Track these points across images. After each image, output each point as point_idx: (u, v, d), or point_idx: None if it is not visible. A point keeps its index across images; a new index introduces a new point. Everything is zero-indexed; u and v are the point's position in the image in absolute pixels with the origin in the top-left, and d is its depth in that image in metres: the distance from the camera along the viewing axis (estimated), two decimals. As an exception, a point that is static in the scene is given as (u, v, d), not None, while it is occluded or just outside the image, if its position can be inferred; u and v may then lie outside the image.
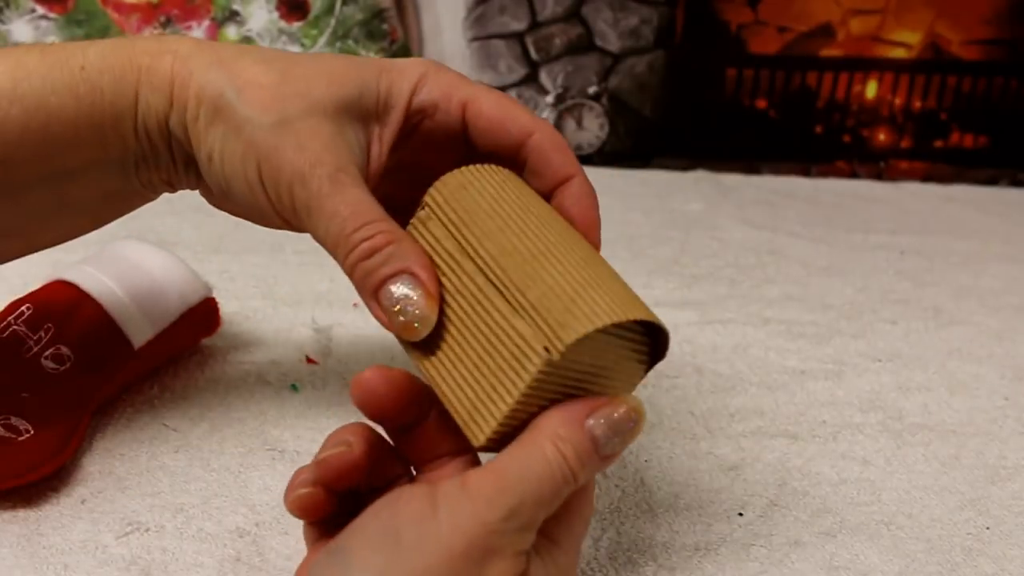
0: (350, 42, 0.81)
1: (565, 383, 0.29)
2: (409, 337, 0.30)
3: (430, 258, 0.31)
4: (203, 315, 0.47)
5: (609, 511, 0.38)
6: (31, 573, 0.33)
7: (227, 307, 0.50)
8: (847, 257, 0.68)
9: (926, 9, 0.83)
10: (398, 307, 0.29)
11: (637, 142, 0.87)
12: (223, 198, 0.35)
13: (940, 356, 0.53)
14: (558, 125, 0.86)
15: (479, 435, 0.29)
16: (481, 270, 0.30)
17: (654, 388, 0.47)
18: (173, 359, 0.47)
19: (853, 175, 0.88)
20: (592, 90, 0.85)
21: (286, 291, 0.56)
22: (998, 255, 0.70)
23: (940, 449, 0.43)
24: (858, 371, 0.50)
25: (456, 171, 0.32)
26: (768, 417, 0.45)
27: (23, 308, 0.42)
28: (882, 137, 0.87)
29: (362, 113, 0.33)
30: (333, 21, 0.81)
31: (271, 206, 0.32)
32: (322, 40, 0.81)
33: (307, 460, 0.40)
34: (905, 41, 0.84)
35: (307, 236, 0.71)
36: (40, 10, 0.78)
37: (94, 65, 0.32)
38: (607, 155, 0.87)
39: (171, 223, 0.66)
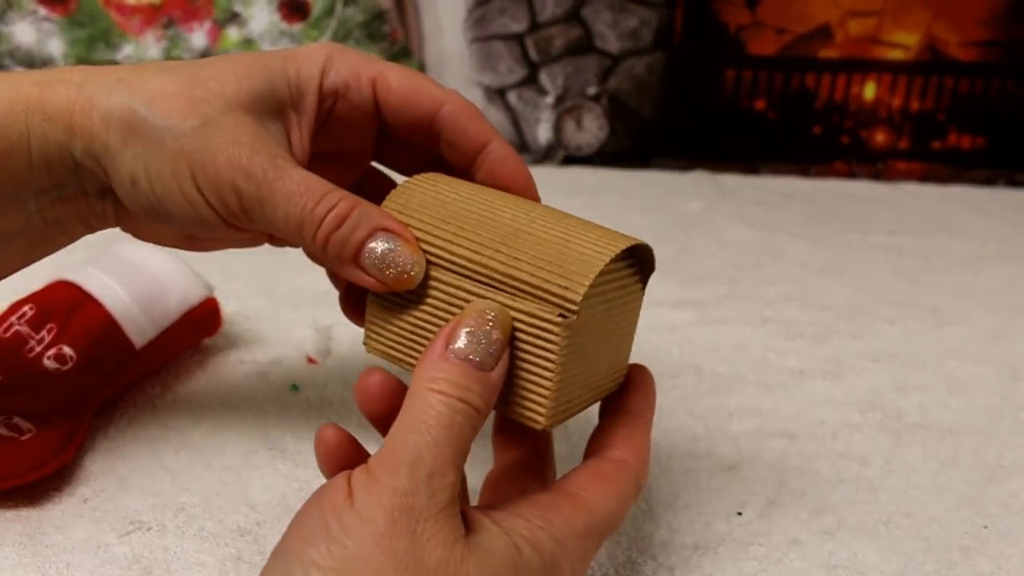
0: (351, 43, 0.81)
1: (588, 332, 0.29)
2: (406, 286, 0.30)
3: (395, 301, 0.31)
4: (204, 315, 0.47)
5: (609, 510, 0.38)
6: (33, 572, 0.33)
7: (228, 307, 0.50)
8: (845, 257, 0.68)
9: (924, 11, 0.84)
10: (385, 262, 0.30)
11: (637, 142, 0.87)
12: (154, 221, 0.33)
13: (938, 356, 0.53)
14: (558, 126, 0.86)
15: (540, 419, 0.29)
16: (464, 276, 0.29)
17: (653, 388, 0.47)
18: (174, 359, 0.47)
19: (851, 176, 0.88)
20: (592, 91, 0.85)
21: (286, 291, 0.57)
22: (995, 255, 0.70)
23: (938, 448, 0.44)
24: (856, 371, 0.51)
25: (390, 196, 0.32)
26: (767, 417, 0.46)
27: (25, 308, 0.42)
28: (880, 138, 0.88)
29: (276, 104, 0.32)
30: (334, 22, 0.81)
31: (214, 213, 0.31)
32: (323, 41, 0.81)
33: (308, 460, 0.40)
34: (903, 42, 0.85)
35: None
36: (42, 12, 0.78)
37: None
38: (607, 155, 0.87)
39: (172, 224, 0.66)
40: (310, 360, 0.49)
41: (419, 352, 0.31)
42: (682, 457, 0.42)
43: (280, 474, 0.39)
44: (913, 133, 0.88)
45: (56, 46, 0.79)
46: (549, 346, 0.28)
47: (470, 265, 0.29)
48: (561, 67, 0.84)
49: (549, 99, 0.85)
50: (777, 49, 0.85)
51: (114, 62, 0.80)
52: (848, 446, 0.43)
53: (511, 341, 0.29)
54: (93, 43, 0.79)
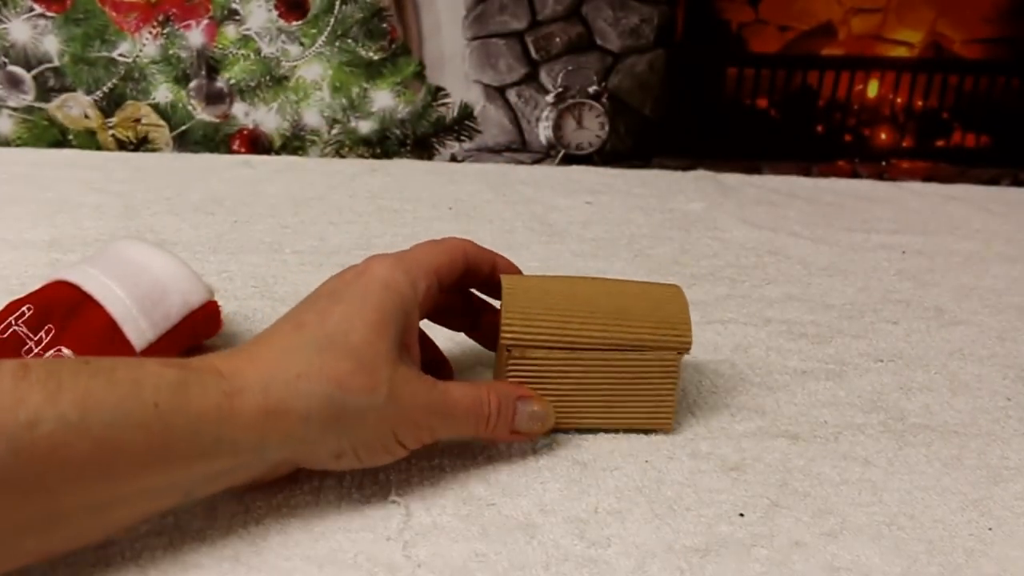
0: (349, 41, 0.81)
1: None
2: (550, 426, 0.41)
3: (539, 382, 0.41)
4: (205, 317, 0.47)
5: (610, 512, 0.37)
6: (35, 571, 0.33)
7: (226, 307, 0.50)
8: (848, 257, 0.67)
9: (927, 8, 0.83)
10: (531, 424, 0.40)
11: (637, 142, 0.87)
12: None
13: (942, 356, 0.53)
14: (558, 124, 0.86)
15: (667, 423, 0.42)
16: (588, 349, 0.40)
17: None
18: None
19: (854, 174, 0.88)
20: (592, 89, 0.85)
21: (285, 291, 0.56)
22: (1000, 255, 0.69)
23: (942, 450, 0.43)
24: (860, 371, 0.50)
25: (507, 307, 0.40)
26: (769, 417, 0.45)
27: (24, 308, 0.42)
28: (883, 136, 0.87)
29: (407, 330, 0.37)
30: (332, 20, 0.80)
31: (406, 451, 0.36)
32: (321, 39, 0.81)
33: (306, 461, 0.40)
34: (906, 40, 0.84)
35: (305, 236, 0.71)
36: (38, 8, 0.77)
37: (168, 403, 0.31)
38: (607, 155, 0.87)
39: (170, 222, 0.66)
40: (309, 360, 0.49)
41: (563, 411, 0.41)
42: (684, 458, 0.41)
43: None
44: (917, 132, 0.87)
45: (52, 43, 0.79)
46: (671, 375, 0.41)
47: (589, 341, 0.40)
48: (561, 65, 0.84)
49: (549, 97, 0.85)
50: (779, 47, 0.84)
51: (110, 59, 0.79)
52: (851, 447, 0.43)
53: (639, 377, 0.41)
54: (89, 40, 0.79)
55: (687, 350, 0.41)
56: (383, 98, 0.83)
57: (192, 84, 0.81)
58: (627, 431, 0.42)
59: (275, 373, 0.33)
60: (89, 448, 0.29)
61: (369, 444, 0.35)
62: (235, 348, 0.35)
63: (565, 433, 0.42)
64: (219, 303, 0.48)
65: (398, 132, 0.85)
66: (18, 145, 0.81)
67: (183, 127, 0.82)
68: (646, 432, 0.43)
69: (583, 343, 0.40)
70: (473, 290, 0.44)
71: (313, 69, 0.81)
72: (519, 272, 0.44)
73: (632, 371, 0.41)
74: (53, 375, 0.29)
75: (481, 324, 0.45)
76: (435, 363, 0.45)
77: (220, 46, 0.80)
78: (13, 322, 0.41)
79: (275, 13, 0.80)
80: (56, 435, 0.28)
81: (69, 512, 0.29)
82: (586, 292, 0.41)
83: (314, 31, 0.81)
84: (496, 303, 0.44)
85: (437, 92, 0.84)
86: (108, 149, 0.82)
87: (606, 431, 0.42)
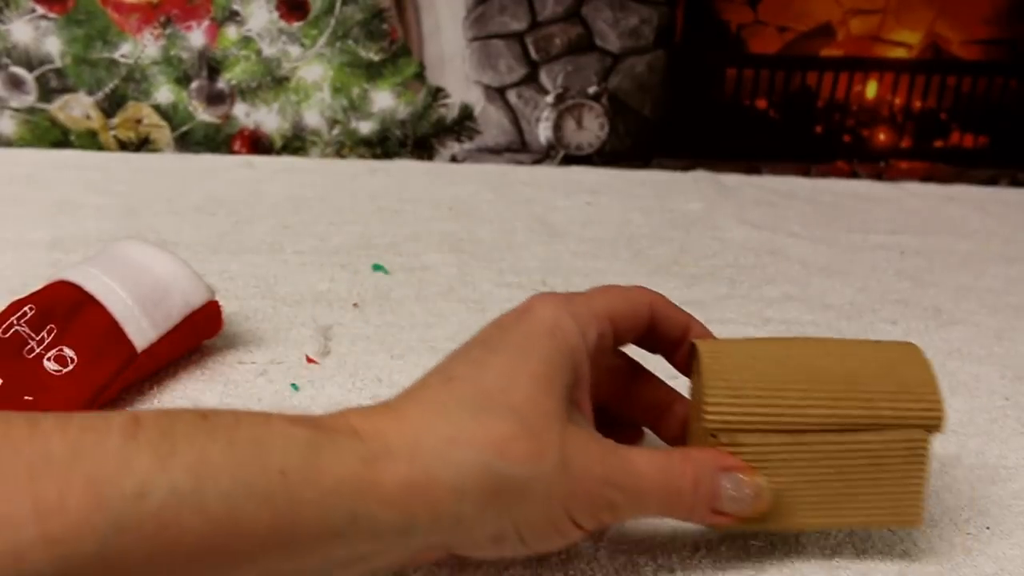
0: (350, 42, 0.81)
1: None
2: (764, 507, 0.32)
3: (762, 465, 0.33)
4: (206, 318, 0.47)
5: (609, 511, 0.38)
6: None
7: (227, 307, 0.50)
8: (847, 257, 0.68)
9: (926, 9, 0.83)
10: (737, 503, 0.32)
11: (637, 142, 0.87)
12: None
13: (940, 356, 0.53)
14: (558, 125, 0.86)
15: (917, 518, 0.34)
16: (813, 431, 0.32)
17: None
18: (174, 360, 0.47)
19: (853, 175, 0.88)
20: (592, 90, 0.85)
21: (286, 291, 0.57)
22: (998, 255, 0.70)
23: (940, 449, 0.43)
24: (858, 371, 0.51)
25: (709, 381, 0.33)
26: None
27: (26, 308, 0.42)
28: (882, 137, 0.87)
29: (575, 385, 0.32)
30: (333, 21, 0.81)
31: (583, 533, 0.31)
32: (322, 40, 0.81)
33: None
34: (905, 41, 0.84)
35: (306, 236, 0.71)
36: (40, 10, 0.78)
37: (297, 470, 0.26)
38: (607, 155, 0.87)
39: (171, 222, 0.66)
40: (310, 360, 0.49)
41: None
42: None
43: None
44: (915, 132, 0.87)
45: (53, 44, 0.79)
46: (919, 457, 0.33)
47: (833, 421, 0.32)
48: (561, 66, 0.84)
49: (549, 98, 0.85)
50: (778, 48, 0.84)
51: (112, 60, 0.79)
52: (850, 447, 0.43)
53: (877, 464, 0.33)
54: (91, 41, 0.79)
55: (938, 427, 0.33)
56: (383, 99, 0.83)
57: (193, 85, 0.81)
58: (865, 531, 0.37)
59: (423, 437, 0.28)
60: (203, 525, 0.24)
61: (536, 524, 0.29)
62: (375, 404, 0.30)
63: (783, 538, 0.36)
64: (220, 303, 0.48)
65: (398, 133, 0.85)
66: (20, 146, 0.81)
67: (184, 128, 0.83)
68: (647, 431, 0.43)
69: (807, 424, 0.33)
70: (657, 376, 0.38)
71: (314, 70, 0.82)
72: (713, 337, 0.36)
73: (868, 456, 0.33)
74: (167, 435, 0.25)
75: (665, 415, 0.37)
76: (617, 422, 0.37)
77: (221, 47, 0.80)
78: (15, 322, 0.42)
79: (276, 14, 0.80)
80: (166, 509, 0.24)
81: None
82: (803, 356, 0.34)
83: (315, 32, 0.81)
84: (677, 381, 0.37)
85: (437, 93, 0.84)
86: (109, 150, 0.83)
87: (836, 533, 0.37)
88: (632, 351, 0.37)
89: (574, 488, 0.29)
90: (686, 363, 0.36)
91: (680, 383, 0.37)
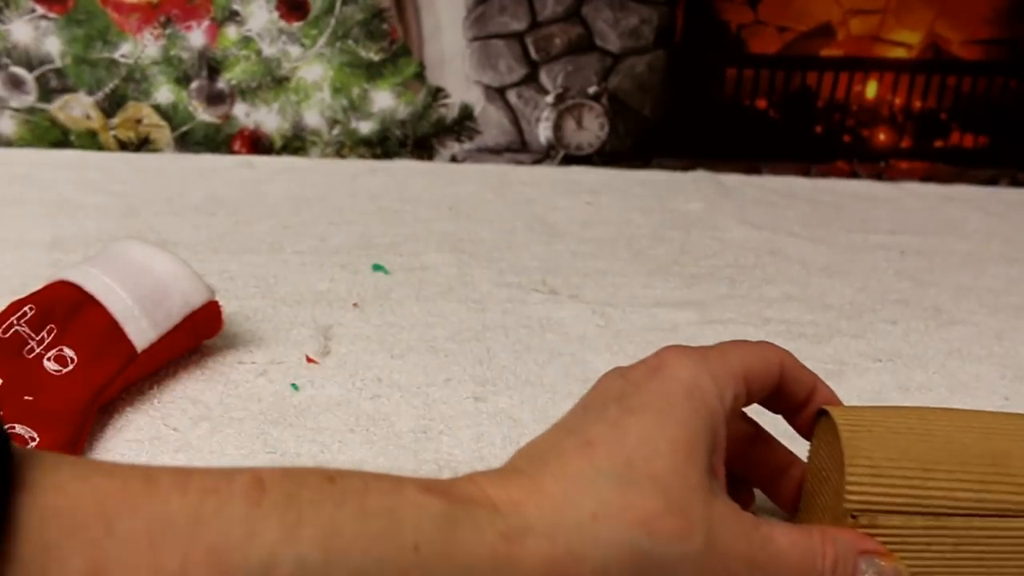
0: (350, 42, 0.81)
1: None
2: None
3: (902, 550, 0.31)
4: (206, 318, 0.47)
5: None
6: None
7: (227, 307, 0.50)
8: (847, 257, 0.68)
9: (926, 9, 0.83)
10: None
11: (637, 142, 0.87)
12: None
13: (940, 356, 0.53)
14: (558, 125, 0.86)
15: None
16: (960, 514, 0.30)
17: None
18: (174, 360, 0.47)
19: (853, 175, 0.88)
20: (592, 90, 0.85)
21: (286, 291, 0.57)
22: (998, 255, 0.70)
23: (940, 449, 0.43)
24: (858, 371, 0.50)
25: (850, 464, 0.31)
26: (768, 416, 0.45)
27: (26, 308, 0.42)
28: (882, 137, 0.87)
29: (718, 441, 0.30)
30: (333, 21, 0.81)
31: None
32: (322, 40, 0.81)
33: (307, 461, 0.40)
34: (905, 41, 0.84)
35: (306, 236, 0.71)
36: (40, 10, 0.78)
37: (432, 546, 0.24)
38: (607, 155, 0.87)
39: (171, 223, 0.66)
40: (309, 360, 0.49)
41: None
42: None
43: (279, 475, 0.39)
44: (915, 132, 0.87)
45: (53, 44, 0.79)
46: None
47: (981, 504, 0.30)
48: (561, 66, 0.84)
49: (549, 98, 0.85)
50: (778, 48, 0.84)
51: (112, 60, 0.79)
52: (850, 447, 0.43)
53: (1017, 554, 0.30)
54: (91, 41, 0.79)
55: None
56: (383, 99, 0.83)
57: (193, 85, 0.81)
58: None
59: (565, 512, 0.26)
60: None
61: None
62: (508, 469, 0.28)
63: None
64: (220, 303, 0.48)
65: (398, 133, 0.85)
66: (20, 146, 0.81)
67: (184, 128, 0.83)
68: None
69: (954, 507, 0.30)
70: (775, 439, 0.36)
71: (314, 70, 0.82)
72: (840, 404, 0.35)
73: (1015, 543, 0.31)
74: (293, 501, 0.23)
75: (781, 478, 0.36)
76: (776, 471, 0.36)
77: (221, 47, 0.80)
78: (15, 322, 0.42)
79: (276, 14, 0.80)
80: None
81: None
82: (946, 431, 0.31)
83: (315, 32, 0.81)
84: (796, 445, 0.36)
85: (437, 93, 0.84)
86: (109, 150, 0.83)
87: None
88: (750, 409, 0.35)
89: (720, 568, 0.28)
90: (809, 427, 0.35)
91: (796, 445, 0.36)
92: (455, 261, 0.63)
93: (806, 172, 0.88)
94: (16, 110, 0.80)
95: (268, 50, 0.81)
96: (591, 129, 0.86)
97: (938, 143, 0.88)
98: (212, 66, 0.81)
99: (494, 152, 0.87)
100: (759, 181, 0.85)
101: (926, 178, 0.88)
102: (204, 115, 0.82)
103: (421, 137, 0.85)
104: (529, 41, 0.83)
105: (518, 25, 0.83)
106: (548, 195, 0.78)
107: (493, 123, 0.86)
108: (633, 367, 0.31)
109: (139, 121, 0.82)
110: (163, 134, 0.83)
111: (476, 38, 0.83)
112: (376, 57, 0.82)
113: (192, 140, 0.83)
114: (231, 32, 0.80)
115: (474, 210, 0.73)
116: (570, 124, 0.86)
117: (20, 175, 0.74)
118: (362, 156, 0.85)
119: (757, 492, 0.37)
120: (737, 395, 0.31)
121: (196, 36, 0.80)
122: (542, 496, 0.26)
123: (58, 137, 0.82)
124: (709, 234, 0.71)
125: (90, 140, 0.82)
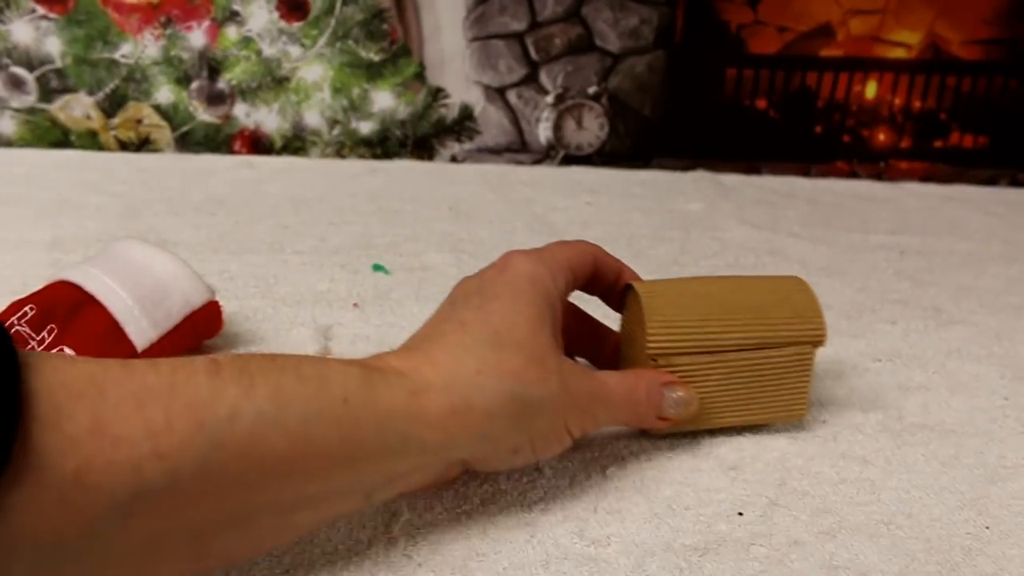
0: (350, 42, 0.81)
1: None
2: (694, 412, 0.41)
3: (691, 379, 0.41)
4: (206, 318, 0.47)
5: (609, 511, 0.38)
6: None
7: (227, 307, 0.50)
8: (847, 257, 0.68)
9: (926, 9, 0.83)
10: (677, 410, 0.40)
11: (637, 142, 0.87)
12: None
13: (940, 356, 0.53)
14: (558, 125, 0.86)
15: (801, 410, 0.43)
16: (731, 350, 0.41)
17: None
18: (174, 359, 0.47)
19: (853, 175, 0.88)
20: (592, 90, 0.85)
21: (286, 291, 0.57)
22: (998, 255, 0.70)
23: (940, 449, 0.43)
24: (858, 371, 0.51)
25: (650, 317, 0.40)
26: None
27: (26, 308, 0.42)
28: (882, 137, 0.88)
29: (556, 316, 0.38)
30: (333, 21, 0.81)
31: (572, 441, 0.37)
32: (322, 40, 0.81)
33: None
34: (905, 41, 0.84)
35: (306, 236, 0.71)
36: (40, 10, 0.78)
37: (357, 399, 0.30)
38: (607, 155, 0.87)
39: (171, 223, 0.66)
40: (310, 360, 0.49)
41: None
42: (683, 457, 0.42)
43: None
44: (915, 132, 0.87)
45: (54, 45, 0.79)
46: (806, 365, 0.42)
47: (745, 342, 0.41)
48: (561, 66, 0.84)
49: (549, 98, 0.85)
50: (778, 48, 0.84)
51: (112, 61, 0.80)
52: (849, 446, 0.43)
53: (776, 373, 0.42)
54: (91, 42, 0.79)
55: (822, 343, 0.42)
56: (383, 99, 0.83)
57: (193, 85, 0.81)
58: (758, 427, 0.44)
59: (455, 371, 0.33)
60: (285, 444, 0.28)
61: (545, 435, 0.36)
62: (404, 348, 0.35)
63: (710, 434, 0.43)
64: (220, 303, 0.48)
65: (398, 133, 0.85)
66: (20, 146, 0.81)
67: (184, 128, 0.83)
68: (645, 432, 0.43)
69: (725, 345, 0.41)
70: (594, 320, 0.45)
71: (314, 70, 0.82)
72: (642, 280, 0.43)
73: (770, 367, 0.42)
74: (245, 371, 0.28)
75: (600, 347, 0.45)
76: (597, 343, 0.45)
77: (221, 47, 0.80)
78: (16, 322, 0.42)
79: (276, 14, 0.80)
80: (255, 430, 0.28)
81: (260, 510, 0.29)
82: (718, 291, 0.42)
83: (315, 32, 0.81)
84: (609, 318, 0.44)
85: (437, 93, 0.84)
86: (110, 150, 0.83)
87: (740, 429, 0.43)
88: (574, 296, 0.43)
89: (571, 404, 0.36)
90: (620, 301, 0.43)
91: (610, 320, 0.45)
92: (455, 261, 0.63)
93: (806, 172, 0.88)
94: (17, 110, 0.80)
95: (268, 50, 0.81)
96: (591, 129, 0.87)
97: (938, 143, 0.88)
98: (212, 66, 0.81)
99: (494, 152, 0.87)
100: (759, 181, 0.85)
101: (926, 178, 0.88)
102: (204, 115, 0.82)
103: (421, 137, 0.85)
104: (529, 41, 0.83)
105: (518, 25, 0.83)
106: (548, 195, 0.78)
107: (493, 123, 0.86)
108: (484, 270, 0.38)
109: (139, 121, 0.82)
110: (163, 134, 0.83)
111: (476, 38, 0.83)
112: (376, 57, 0.82)
113: (192, 140, 0.83)
114: (231, 32, 0.80)
115: (474, 210, 0.73)
116: (570, 124, 0.86)
117: (20, 175, 0.74)
118: (362, 156, 0.85)
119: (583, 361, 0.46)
120: (567, 281, 0.39)
121: (196, 36, 0.80)
122: (435, 362, 0.33)
123: (58, 137, 0.82)
124: (709, 234, 0.71)
125: (90, 140, 0.82)
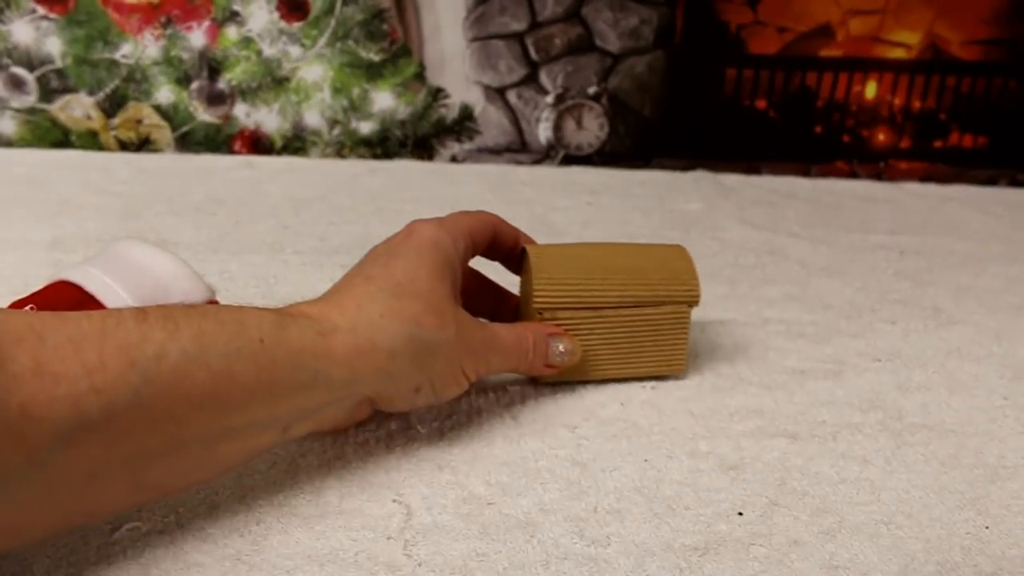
0: (350, 42, 0.81)
1: None
2: (576, 361, 0.45)
3: (574, 332, 0.45)
4: (204, 316, 0.47)
5: (609, 511, 0.38)
6: (38, 567, 0.33)
7: (228, 307, 0.50)
8: (847, 257, 0.68)
9: (925, 9, 0.84)
10: (562, 358, 0.44)
11: (637, 142, 0.87)
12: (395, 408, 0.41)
13: (939, 356, 0.53)
14: (558, 125, 0.86)
15: (679, 368, 0.47)
16: (610, 307, 0.45)
17: (654, 388, 0.47)
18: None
19: (853, 175, 0.88)
20: (592, 90, 0.85)
21: (286, 291, 0.57)
22: (997, 255, 0.70)
23: (939, 449, 0.43)
24: (858, 371, 0.51)
25: (537, 272, 0.44)
26: (768, 417, 0.45)
27: (26, 308, 0.42)
28: (882, 137, 0.88)
29: (455, 276, 0.42)
30: (333, 21, 0.81)
31: (468, 383, 0.41)
32: (322, 40, 0.81)
33: (307, 460, 0.40)
34: (904, 41, 0.85)
35: (307, 236, 0.71)
36: (41, 10, 0.78)
37: (271, 339, 0.33)
38: (607, 155, 0.87)
39: (171, 223, 0.66)
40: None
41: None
42: (683, 457, 0.42)
43: (280, 472, 0.39)
44: (915, 132, 0.87)
45: (54, 45, 0.79)
46: (683, 324, 0.46)
47: (611, 297, 0.45)
48: (561, 66, 0.84)
49: (549, 98, 0.85)
50: (778, 48, 0.84)
51: (113, 61, 0.80)
52: (849, 446, 0.43)
53: (654, 330, 0.46)
54: (91, 42, 0.79)
55: (696, 302, 0.46)
56: (384, 99, 0.83)
57: (194, 85, 0.81)
58: (638, 377, 0.47)
59: (360, 315, 0.36)
60: (208, 379, 0.31)
61: (443, 376, 0.39)
62: (315, 299, 0.38)
63: (592, 384, 0.47)
64: (220, 303, 0.48)
65: (398, 133, 0.85)
66: (21, 146, 0.81)
67: (185, 128, 0.83)
68: (647, 432, 0.43)
69: (606, 302, 0.45)
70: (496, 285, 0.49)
71: (314, 70, 0.82)
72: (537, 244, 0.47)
73: (648, 324, 0.46)
74: (169, 317, 0.31)
75: (501, 308, 0.49)
76: (498, 304, 0.49)
77: (222, 47, 0.80)
78: (16, 322, 0.42)
79: (276, 14, 0.80)
80: (180, 367, 0.30)
81: (188, 442, 0.32)
82: (602, 255, 0.46)
83: (315, 32, 0.81)
84: (512, 281, 0.49)
85: (437, 93, 0.84)
86: (110, 150, 0.83)
87: (618, 380, 0.47)
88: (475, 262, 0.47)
89: (466, 349, 0.40)
90: (517, 264, 0.47)
91: (512, 285, 0.49)
92: (455, 261, 0.63)
93: (806, 172, 0.88)
94: (17, 110, 0.80)
95: (268, 50, 0.81)
96: (591, 129, 0.87)
97: (937, 143, 0.88)
98: (212, 66, 0.81)
99: (494, 152, 0.87)
100: (759, 181, 0.85)
101: (925, 178, 0.88)
102: (204, 115, 0.82)
103: (421, 137, 0.85)
104: (529, 41, 0.83)
105: (518, 25, 0.83)
106: (548, 195, 0.78)
107: (493, 123, 0.86)
108: (392, 236, 0.42)
109: (140, 121, 0.82)
110: (164, 134, 0.83)
111: (476, 38, 0.83)
112: (376, 57, 0.82)
113: (192, 140, 0.83)
114: (231, 32, 0.80)
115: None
116: (570, 124, 0.86)
117: (21, 175, 0.74)
118: (362, 156, 0.85)
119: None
120: (467, 246, 0.43)
121: (196, 36, 0.80)
122: (342, 308, 0.37)
123: (59, 137, 0.82)
124: (709, 234, 0.71)
125: (91, 140, 0.82)
